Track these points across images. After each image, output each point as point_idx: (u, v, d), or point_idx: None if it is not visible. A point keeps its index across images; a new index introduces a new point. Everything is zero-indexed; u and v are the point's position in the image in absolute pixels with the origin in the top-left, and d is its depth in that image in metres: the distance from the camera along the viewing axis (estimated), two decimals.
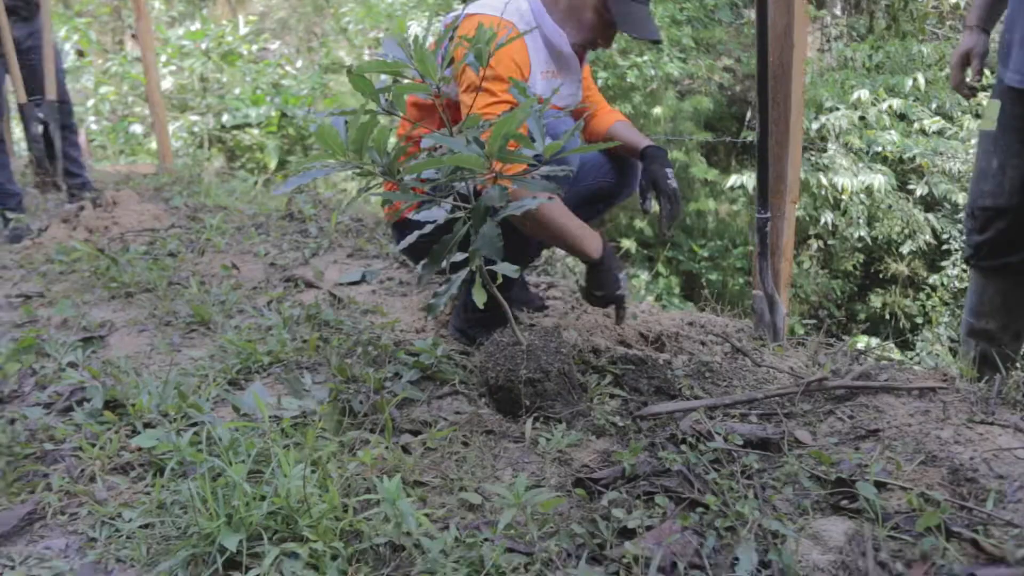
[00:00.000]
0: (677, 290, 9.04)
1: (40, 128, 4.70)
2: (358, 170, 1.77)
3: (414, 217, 2.07)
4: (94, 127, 11.07)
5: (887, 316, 8.67)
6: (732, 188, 8.42)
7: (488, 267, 2.06)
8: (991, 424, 1.94)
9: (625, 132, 2.79)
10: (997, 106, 2.72)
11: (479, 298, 2.00)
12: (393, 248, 3.73)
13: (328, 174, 1.76)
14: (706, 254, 9.33)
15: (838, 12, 10.47)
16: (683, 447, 1.89)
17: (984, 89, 3.36)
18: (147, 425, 2.05)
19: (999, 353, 2.85)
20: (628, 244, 8.89)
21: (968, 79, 2.89)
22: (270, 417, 2.03)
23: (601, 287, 2.49)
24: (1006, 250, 2.81)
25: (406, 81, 1.86)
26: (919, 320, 8.44)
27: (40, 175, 4.81)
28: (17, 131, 10.16)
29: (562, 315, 2.90)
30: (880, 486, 1.68)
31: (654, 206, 2.62)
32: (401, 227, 2.66)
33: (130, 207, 4.43)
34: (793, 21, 2.81)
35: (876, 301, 8.87)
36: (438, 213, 2.04)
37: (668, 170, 2.61)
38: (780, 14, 2.80)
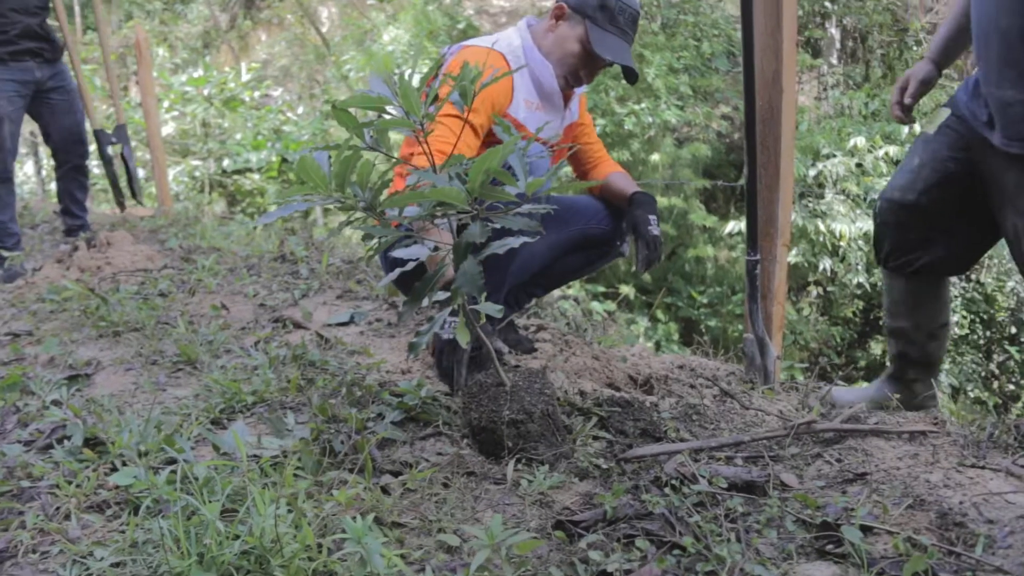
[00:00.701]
0: (676, 336, 9.02)
1: (115, 152, 4.83)
2: (340, 204, 1.76)
3: (394, 255, 2.06)
4: (96, 171, 11.14)
5: (887, 363, 8.62)
6: (731, 234, 8.44)
7: (473, 306, 2.04)
8: (982, 468, 1.90)
9: (619, 181, 2.81)
10: (945, 114, 2.69)
11: (463, 338, 1.98)
12: (378, 285, 3.72)
13: (309, 207, 1.75)
14: (705, 300, 9.33)
15: (834, 61, 10.58)
16: (667, 490, 1.86)
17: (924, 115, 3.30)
18: (126, 463, 2.02)
19: (916, 353, 2.85)
20: (627, 290, 8.89)
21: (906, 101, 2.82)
22: (249, 456, 2.00)
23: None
24: (908, 252, 2.77)
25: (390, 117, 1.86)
26: None
27: (118, 198, 4.91)
28: (20, 173, 10.22)
29: (551, 357, 2.88)
30: (866, 530, 1.64)
31: (628, 249, 2.63)
32: (388, 259, 2.67)
33: (124, 248, 4.43)
34: (782, 67, 2.83)
35: (876, 348, 8.84)
36: (420, 250, 2.02)
37: (652, 216, 2.62)
38: (768, 60, 2.82)
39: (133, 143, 11.28)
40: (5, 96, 4.67)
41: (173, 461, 1.99)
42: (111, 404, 2.44)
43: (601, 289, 8.80)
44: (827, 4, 11.00)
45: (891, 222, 2.78)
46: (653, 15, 10.28)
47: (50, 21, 4.97)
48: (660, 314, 9.12)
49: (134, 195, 4.99)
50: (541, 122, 2.64)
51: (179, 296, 3.70)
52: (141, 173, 10.49)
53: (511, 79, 2.52)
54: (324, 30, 14.50)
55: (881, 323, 8.83)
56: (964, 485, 1.82)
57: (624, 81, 2.66)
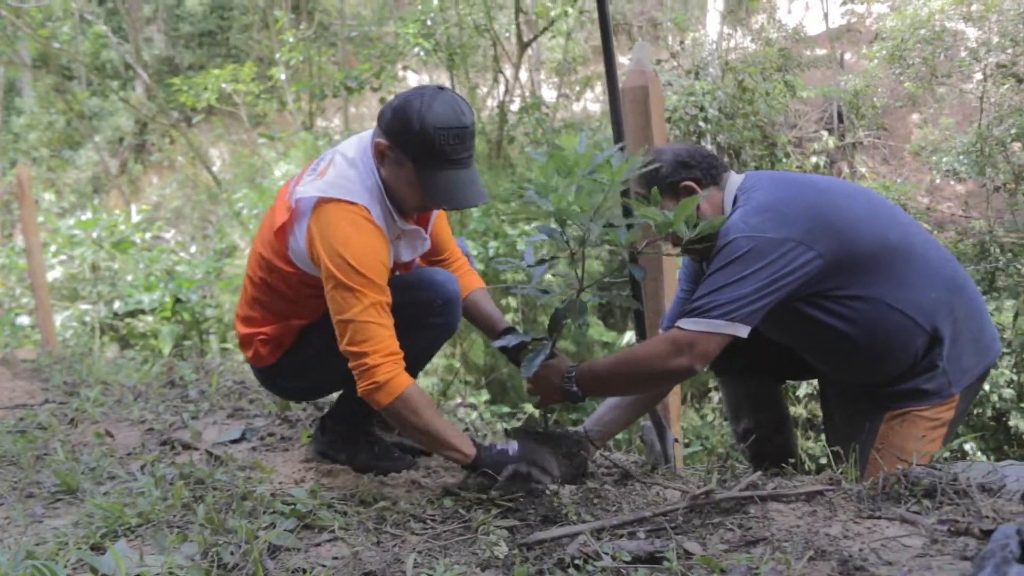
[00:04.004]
0: None
1: None
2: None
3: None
4: None
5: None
6: (629, 345, 8.55)
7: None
8: (878, 518, 1.93)
9: (487, 307, 2.77)
10: None
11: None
12: (275, 401, 3.61)
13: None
14: None
15: None
16: (570, 570, 1.81)
17: None
18: None
19: (770, 450, 2.85)
20: (531, 409, 8.86)
21: None
22: None
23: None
24: (731, 353, 2.78)
25: None
26: (823, 460, 8.52)
27: None
28: None
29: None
30: None
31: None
32: (272, 372, 2.62)
33: (1, 384, 4.22)
34: None
35: None
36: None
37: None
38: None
39: (19, 291, 10.94)
40: None
41: None
42: None
43: (506, 409, 8.73)
44: (701, 124, 11.61)
45: None
46: (539, 140, 10.64)
47: None
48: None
49: None
50: (417, 245, 2.61)
51: (60, 428, 3.51)
52: (27, 320, 10.14)
53: (382, 231, 2.38)
54: (215, 169, 14.52)
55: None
56: (862, 535, 1.83)
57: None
